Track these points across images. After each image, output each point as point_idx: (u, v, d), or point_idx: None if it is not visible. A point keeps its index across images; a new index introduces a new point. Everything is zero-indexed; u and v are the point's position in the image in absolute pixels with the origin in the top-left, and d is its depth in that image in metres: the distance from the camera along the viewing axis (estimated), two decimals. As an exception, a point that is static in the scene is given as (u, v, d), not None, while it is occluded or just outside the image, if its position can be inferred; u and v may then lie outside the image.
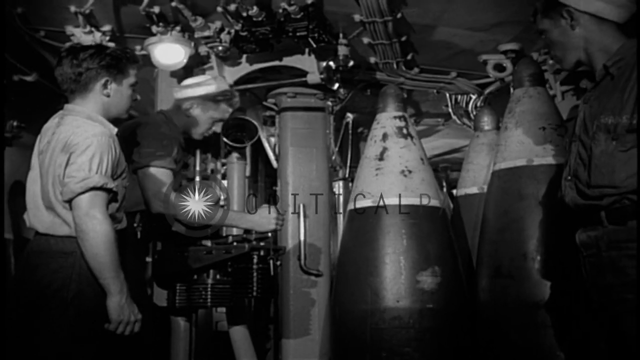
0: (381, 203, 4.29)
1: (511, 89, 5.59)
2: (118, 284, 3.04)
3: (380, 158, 4.48)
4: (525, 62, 4.46)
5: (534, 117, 4.20)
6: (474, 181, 5.31)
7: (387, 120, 4.61)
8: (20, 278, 3.19)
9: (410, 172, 4.39)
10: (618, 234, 2.65)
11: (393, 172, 4.40)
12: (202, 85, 4.39)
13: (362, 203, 4.46)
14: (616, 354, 2.73)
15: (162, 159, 3.97)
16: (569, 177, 2.85)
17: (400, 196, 4.31)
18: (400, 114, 4.64)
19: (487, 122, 5.49)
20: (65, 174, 3.05)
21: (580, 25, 2.87)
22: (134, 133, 4.02)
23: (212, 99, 4.37)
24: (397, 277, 4.20)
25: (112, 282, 3.03)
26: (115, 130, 3.25)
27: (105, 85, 3.26)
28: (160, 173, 3.96)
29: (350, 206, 4.59)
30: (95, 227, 2.99)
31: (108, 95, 3.27)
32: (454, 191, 6.14)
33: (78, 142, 3.06)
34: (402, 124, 4.58)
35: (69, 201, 3.03)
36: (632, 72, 2.66)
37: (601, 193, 2.67)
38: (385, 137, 4.55)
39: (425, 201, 4.31)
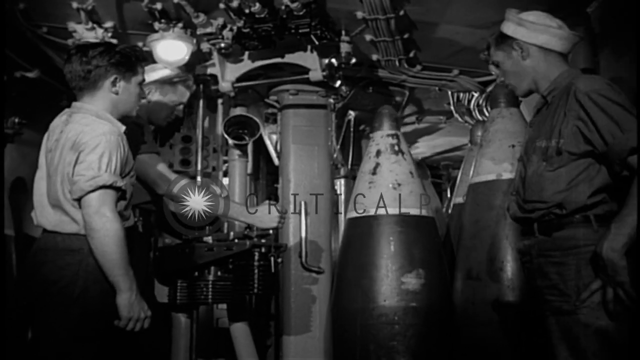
0: (372, 213, 4.71)
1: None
2: (128, 281, 3.05)
3: (374, 172, 4.86)
4: (501, 86, 4.83)
5: (505, 135, 4.72)
6: (464, 192, 5.38)
7: (381, 138, 5.00)
8: (27, 274, 3.19)
9: (399, 185, 4.77)
10: (545, 243, 3.02)
11: (384, 185, 4.79)
12: (156, 70, 4.45)
13: (353, 214, 4.91)
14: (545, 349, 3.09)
15: (146, 146, 3.98)
16: (513, 193, 3.23)
17: (385, 207, 4.73)
18: (393, 132, 5.00)
19: (480, 136, 5.62)
20: (74, 172, 3.05)
21: (529, 56, 3.22)
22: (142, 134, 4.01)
23: (168, 82, 4.39)
24: (384, 278, 4.59)
25: (121, 280, 3.04)
26: (124, 128, 3.25)
27: (114, 83, 3.25)
28: (150, 158, 3.97)
29: (348, 215, 5.01)
30: (105, 225, 3.00)
31: (117, 93, 3.26)
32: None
33: (87, 140, 3.06)
34: (395, 141, 4.96)
35: (79, 199, 3.04)
36: (561, 99, 3.03)
37: (533, 207, 3.06)
38: (378, 153, 4.93)
39: (413, 211, 4.73)
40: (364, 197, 4.83)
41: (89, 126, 3.12)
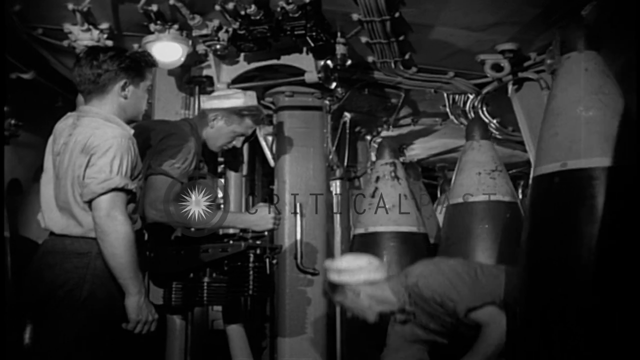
0: (370, 230, 5.42)
1: (509, 90, 5.65)
2: (137, 284, 3.09)
3: (372, 196, 5.57)
4: (477, 120, 5.84)
5: (474, 165, 5.36)
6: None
7: (381, 166, 5.69)
8: (34, 277, 3.19)
9: (393, 206, 5.42)
10: None
11: (381, 207, 5.45)
12: (230, 97, 4.31)
13: (357, 231, 5.60)
14: None
15: (178, 171, 3.94)
16: None
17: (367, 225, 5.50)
18: (391, 160, 5.67)
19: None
20: (85, 175, 3.07)
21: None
22: (148, 138, 3.96)
23: (237, 113, 4.29)
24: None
25: (131, 283, 3.07)
26: (132, 132, 3.26)
27: (123, 88, 3.27)
28: (162, 181, 3.92)
29: (353, 232, 5.75)
30: (116, 228, 3.03)
31: (125, 97, 3.29)
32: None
33: (98, 143, 3.08)
34: (392, 168, 5.64)
35: (89, 202, 3.05)
36: None
37: None
38: (377, 179, 5.63)
39: (403, 229, 5.37)
40: (363, 217, 5.54)
41: (99, 129, 3.14)
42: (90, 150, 3.08)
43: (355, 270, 4.09)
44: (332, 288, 4.15)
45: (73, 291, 3.05)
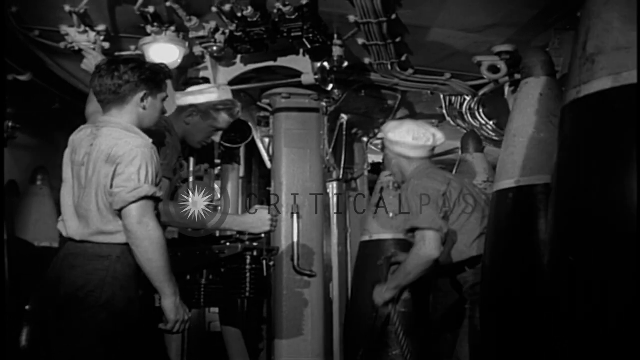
0: (374, 238, 5.73)
1: (505, 91, 5.65)
2: (172, 286, 3.19)
3: (377, 205, 5.82)
4: (471, 133, 6.29)
5: (468, 177, 5.68)
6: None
7: (385, 177, 5.83)
8: (56, 278, 3.23)
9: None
10: None
11: (384, 215, 5.73)
12: (204, 93, 4.31)
13: (363, 238, 5.87)
14: None
15: (161, 167, 3.94)
16: None
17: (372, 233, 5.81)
18: None
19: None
20: (113, 185, 3.13)
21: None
22: None
23: (213, 108, 4.29)
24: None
25: (166, 285, 3.17)
26: (151, 140, 3.30)
27: (143, 99, 3.33)
28: None
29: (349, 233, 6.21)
30: (150, 234, 3.11)
31: (144, 108, 3.34)
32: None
33: (123, 153, 3.14)
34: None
35: (120, 210, 3.12)
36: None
37: None
38: (382, 190, 5.84)
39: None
40: (369, 224, 5.83)
41: (122, 140, 3.20)
42: (116, 159, 3.14)
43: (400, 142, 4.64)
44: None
45: (94, 292, 3.11)
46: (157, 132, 3.97)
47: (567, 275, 2.57)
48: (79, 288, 3.12)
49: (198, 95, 4.27)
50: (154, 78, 3.37)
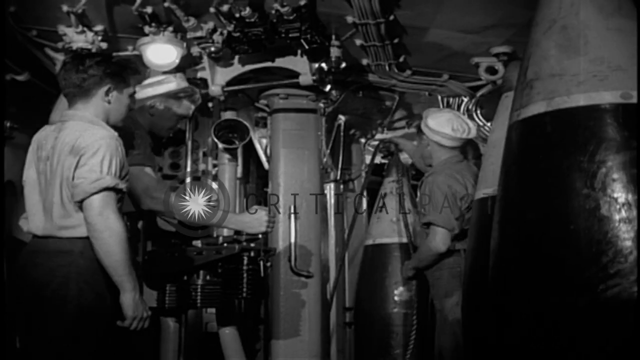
0: (377, 242, 5.95)
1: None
2: (132, 281, 3.13)
3: (380, 210, 6.04)
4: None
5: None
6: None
7: (388, 183, 6.10)
8: (18, 278, 3.21)
9: (397, 220, 5.84)
10: None
11: (387, 220, 5.94)
12: (162, 83, 4.44)
13: (367, 242, 6.06)
14: None
15: (139, 157, 3.97)
16: None
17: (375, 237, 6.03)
18: (396, 178, 5.98)
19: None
20: (75, 176, 3.10)
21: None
22: None
23: (173, 96, 4.40)
24: (380, 289, 5.87)
25: (126, 279, 3.11)
26: (116, 134, 3.29)
27: (107, 93, 3.33)
28: (139, 170, 3.94)
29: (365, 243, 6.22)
30: (110, 226, 3.07)
31: (109, 102, 3.34)
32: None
33: (87, 144, 3.12)
34: (397, 185, 5.99)
35: (81, 201, 3.08)
36: None
37: None
38: (385, 195, 6.06)
39: (405, 240, 5.72)
40: (372, 229, 6.05)
41: (87, 131, 3.18)
42: (80, 150, 3.11)
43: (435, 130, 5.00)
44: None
45: (59, 290, 3.07)
46: (123, 126, 3.98)
47: (505, 276, 2.96)
48: (44, 286, 3.08)
49: (157, 87, 4.39)
50: (120, 72, 3.37)
